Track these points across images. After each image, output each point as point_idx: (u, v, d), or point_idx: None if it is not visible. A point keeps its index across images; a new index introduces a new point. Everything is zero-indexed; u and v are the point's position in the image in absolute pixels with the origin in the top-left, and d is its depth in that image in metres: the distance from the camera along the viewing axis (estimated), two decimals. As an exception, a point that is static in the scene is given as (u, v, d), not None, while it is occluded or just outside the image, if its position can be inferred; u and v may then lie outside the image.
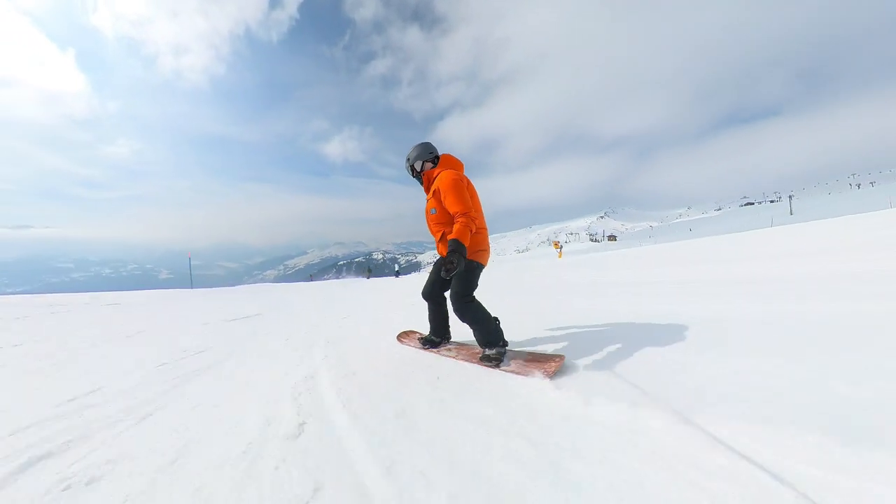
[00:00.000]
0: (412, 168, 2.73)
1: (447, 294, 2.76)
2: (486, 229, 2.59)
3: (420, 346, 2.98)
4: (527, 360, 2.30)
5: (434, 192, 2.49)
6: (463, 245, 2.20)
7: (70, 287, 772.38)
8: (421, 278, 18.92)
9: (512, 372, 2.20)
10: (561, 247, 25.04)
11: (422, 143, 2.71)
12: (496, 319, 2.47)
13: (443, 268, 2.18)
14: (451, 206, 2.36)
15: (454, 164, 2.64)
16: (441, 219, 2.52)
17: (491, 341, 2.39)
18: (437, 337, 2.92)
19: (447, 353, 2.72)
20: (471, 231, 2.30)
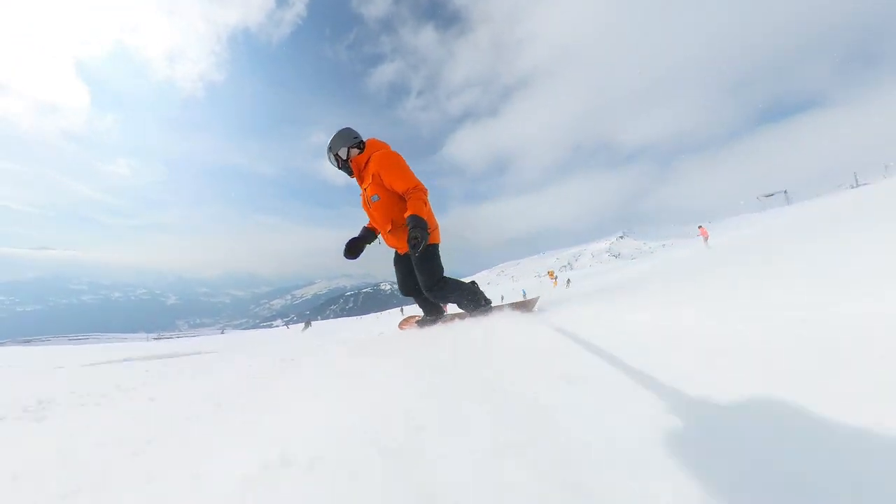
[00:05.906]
0: (336, 157, 2.41)
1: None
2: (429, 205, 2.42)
3: (418, 328, 2.94)
4: (513, 307, 2.34)
5: (373, 176, 2.25)
6: (423, 219, 2.04)
7: (79, 310, 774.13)
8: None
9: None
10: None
11: (342, 129, 2.42)
12: (473, 282, 2.41)
13: (410, 246, 2.00)
14: (400, 184, 2.17)
15: (383, 144, 2.43)
16: (388, 204, 2.28)
17: (479, 303, 2.33)
18: (432, 316, 2.85)
19: (447, 320, 2.73)
20: (425, 204, 2.15)
